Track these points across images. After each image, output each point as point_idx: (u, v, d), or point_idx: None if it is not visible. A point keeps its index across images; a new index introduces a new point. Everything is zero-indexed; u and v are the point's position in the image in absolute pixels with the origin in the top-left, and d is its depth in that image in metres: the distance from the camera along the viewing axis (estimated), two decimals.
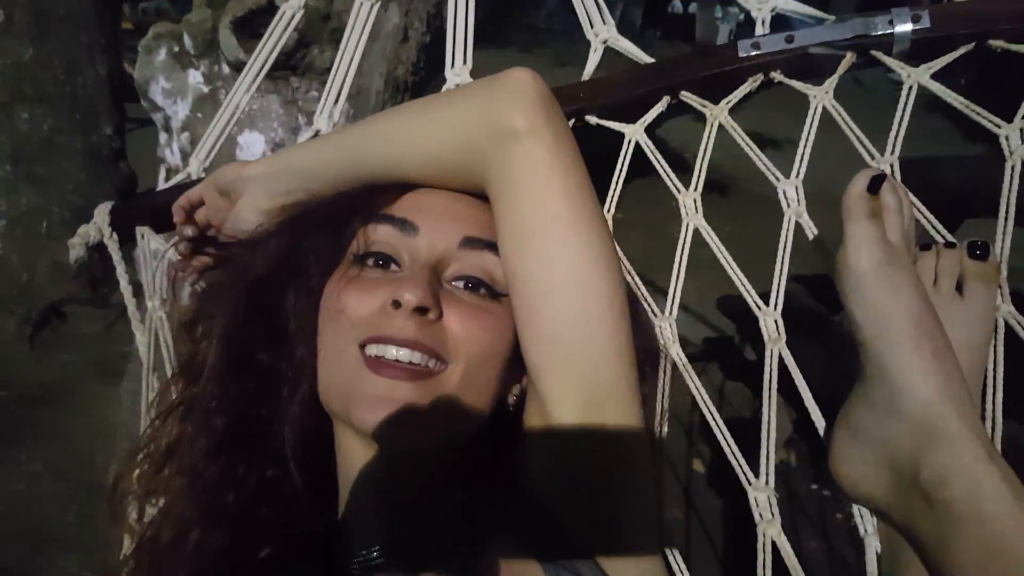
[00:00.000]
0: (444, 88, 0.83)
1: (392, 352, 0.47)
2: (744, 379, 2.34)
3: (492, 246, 0.53)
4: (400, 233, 0.53)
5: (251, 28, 1.42)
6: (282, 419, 0.54)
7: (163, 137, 1.63)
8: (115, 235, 0.80)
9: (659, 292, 0.82)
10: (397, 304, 0.47)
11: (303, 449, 0.54)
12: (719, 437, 0.69)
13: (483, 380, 0.51)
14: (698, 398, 0.71)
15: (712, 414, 0.70)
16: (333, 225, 0.56)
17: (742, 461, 0.69)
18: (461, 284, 0.52)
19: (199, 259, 0.67)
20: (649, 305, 0.73)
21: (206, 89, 1.56)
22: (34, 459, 2.02)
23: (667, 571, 0.54)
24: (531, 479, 0.51)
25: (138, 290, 0.83)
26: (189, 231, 0.66)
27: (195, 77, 1.55)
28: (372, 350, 0.48)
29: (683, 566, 0.67)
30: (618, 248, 0.65)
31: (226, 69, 1.53)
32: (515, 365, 0.53)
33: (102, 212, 0.81)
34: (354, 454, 0.52)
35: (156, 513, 0.57)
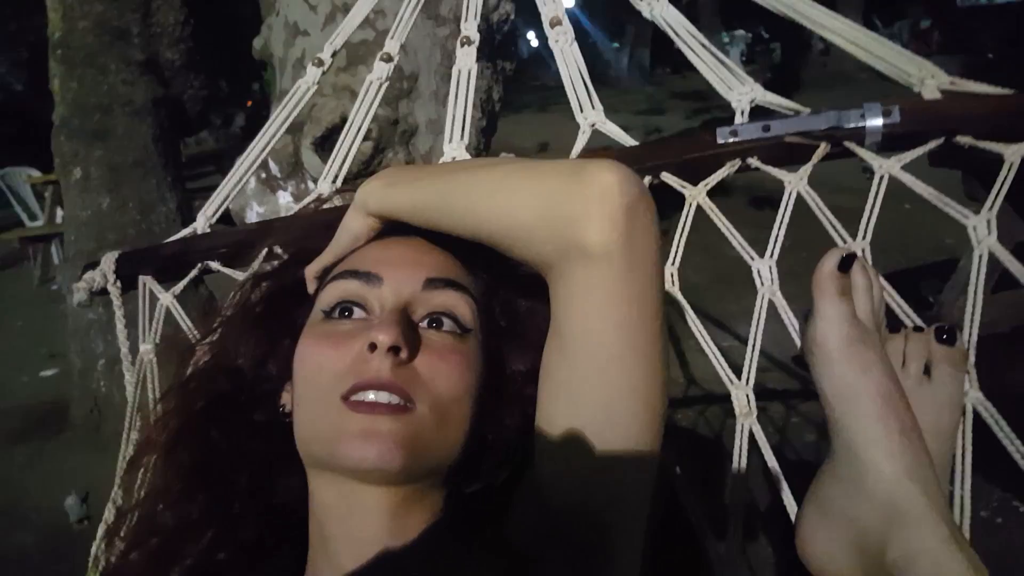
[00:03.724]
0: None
1: (371, 396, 0.49)
2: None
3: (453, 284, 0.55)
4: (366, 285, 0.54)
5: (330, 144, 1.53)
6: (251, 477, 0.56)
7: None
8: (118, 282, 0.84)
9: None
10: (373, 347, 0.49)
11: (270, 507, 0.57)
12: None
13: (456, 416, 0.52)
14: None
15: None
16: (296, 293, 0.60)
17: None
18: (427, 323, 0.53)
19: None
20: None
21: (296, 207, 1.68)
22: None
23: None
24: (523, 534, 0.50)
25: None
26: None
27: (285, 198, 1.68)
28: (353, 398, 0.49)
29: None
30: None
31: (312, 185, 1.64)
32: (489, 400, 0.54)
33: (109, 260, 0.85)
34: (329, 502, 0.52)
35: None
